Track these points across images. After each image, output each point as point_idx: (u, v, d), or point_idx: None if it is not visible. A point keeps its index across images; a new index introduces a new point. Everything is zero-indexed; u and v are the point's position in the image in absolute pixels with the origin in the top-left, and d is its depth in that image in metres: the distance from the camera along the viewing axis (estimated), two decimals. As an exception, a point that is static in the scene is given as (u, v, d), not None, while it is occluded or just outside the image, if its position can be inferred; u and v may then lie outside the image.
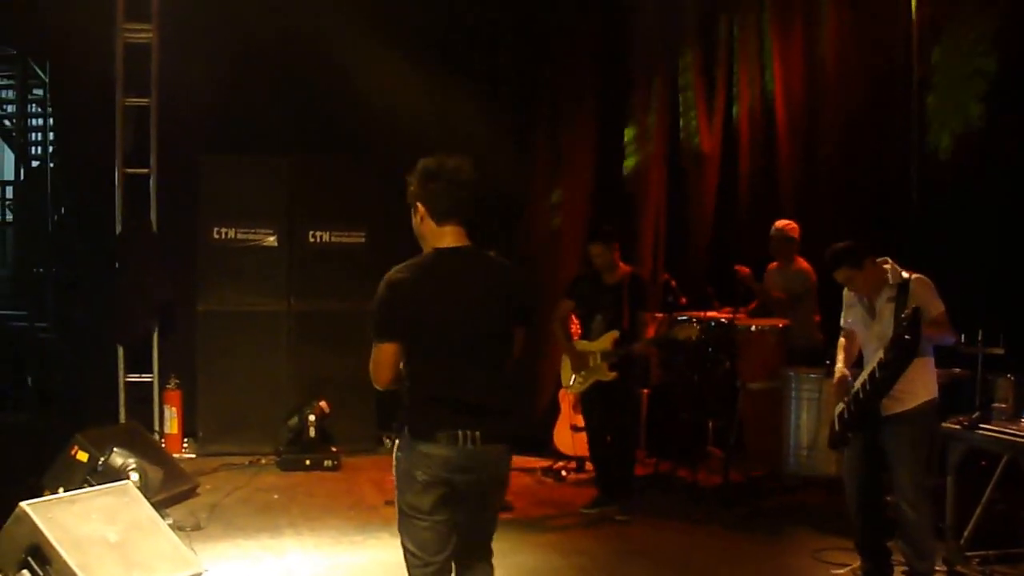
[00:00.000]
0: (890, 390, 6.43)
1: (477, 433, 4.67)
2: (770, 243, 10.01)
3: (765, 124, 11.15)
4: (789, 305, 9.81)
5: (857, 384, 6.63)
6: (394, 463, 4.88)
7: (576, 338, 9.09)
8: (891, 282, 6.56)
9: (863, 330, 6.79)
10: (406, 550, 4.87)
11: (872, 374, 6.47)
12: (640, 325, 8.89)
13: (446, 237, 4.76)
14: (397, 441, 4.89)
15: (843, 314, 7.02)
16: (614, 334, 8.78)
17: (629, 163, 11.79)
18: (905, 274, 6.56)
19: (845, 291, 6.94)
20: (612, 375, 8.74)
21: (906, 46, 9.98)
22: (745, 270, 9.92)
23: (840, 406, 6.78)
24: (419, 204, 4.75)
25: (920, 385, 6.51)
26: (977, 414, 6.99)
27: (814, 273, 9.76)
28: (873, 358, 6.54)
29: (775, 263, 10.08)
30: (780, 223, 10.01)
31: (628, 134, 11.78)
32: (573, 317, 9.37)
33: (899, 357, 6.30)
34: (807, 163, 10.87)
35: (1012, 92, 8.87)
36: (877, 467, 6.71)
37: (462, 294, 4.72)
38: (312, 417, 10.41)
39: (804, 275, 9.81)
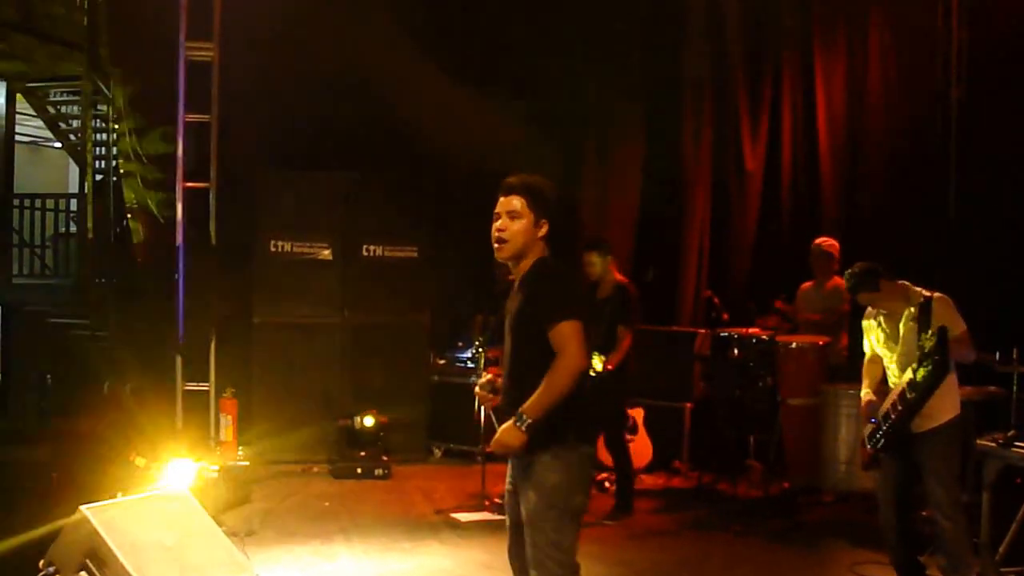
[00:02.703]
0: (922, 409, 6.45)
1: None
2: (810, 259, 10.09)
3: (808, 144, 11.23)
4: (826, 325, 9.87)
5: (886, 406, 6.62)
6: (558, 467, 4.72)
7: None
8: (913, 302, 6.57)
9: (887, 354, 6.79)
10: (564, 554, 4.77)
11: (903, 395, 6.48)
12: (616, 340, 8.88)
13: (547, 251, 4.97)
14: (551, 447, 4.72)
15: (864, 340, 7.04)
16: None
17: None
18: (926, 293, 6.56)
19: (864, 319, 6.99)
20: None
21: (945, 69, 10.04)
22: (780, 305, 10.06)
23: (868, 427, 6.80)
24: (546, 220, 4.90)
25: (949, 401, 6.53)
26: (1012, 432, 6.96)
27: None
28: (900, 379, 6.57)
29: (810, 282, 10.16)
30: (820, 240, 10.09)
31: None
32: None
33: (931, 376, 6.32)
34: (849, 181, 10.94)
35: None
36: (910, 484, 6.71)
37: None
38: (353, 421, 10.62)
39: (839, 293, 9.87)
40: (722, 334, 10.01)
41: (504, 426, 4.71)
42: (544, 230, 4.90)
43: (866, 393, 6.93)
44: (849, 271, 6.79)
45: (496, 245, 4.91)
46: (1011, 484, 7.29)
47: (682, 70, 12.02)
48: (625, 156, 12.09)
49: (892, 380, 6.76)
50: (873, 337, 6.92)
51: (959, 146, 9.94)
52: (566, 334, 4.67)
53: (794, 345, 9.64)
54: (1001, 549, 7.02)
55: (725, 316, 10.08)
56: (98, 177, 14.92)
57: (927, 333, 6.33)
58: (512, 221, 4.88)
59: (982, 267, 9.15)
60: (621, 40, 12.04)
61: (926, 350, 6.28)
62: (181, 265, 11.17)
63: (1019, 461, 6.88)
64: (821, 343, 9.61)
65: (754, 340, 9.74)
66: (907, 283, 6.69)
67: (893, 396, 6.60)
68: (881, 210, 10.58)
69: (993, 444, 6.92)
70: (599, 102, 12.23)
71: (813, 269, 10.10)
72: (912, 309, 6.57)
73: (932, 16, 10.31)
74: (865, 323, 6.97)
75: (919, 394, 6.39)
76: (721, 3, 11.67)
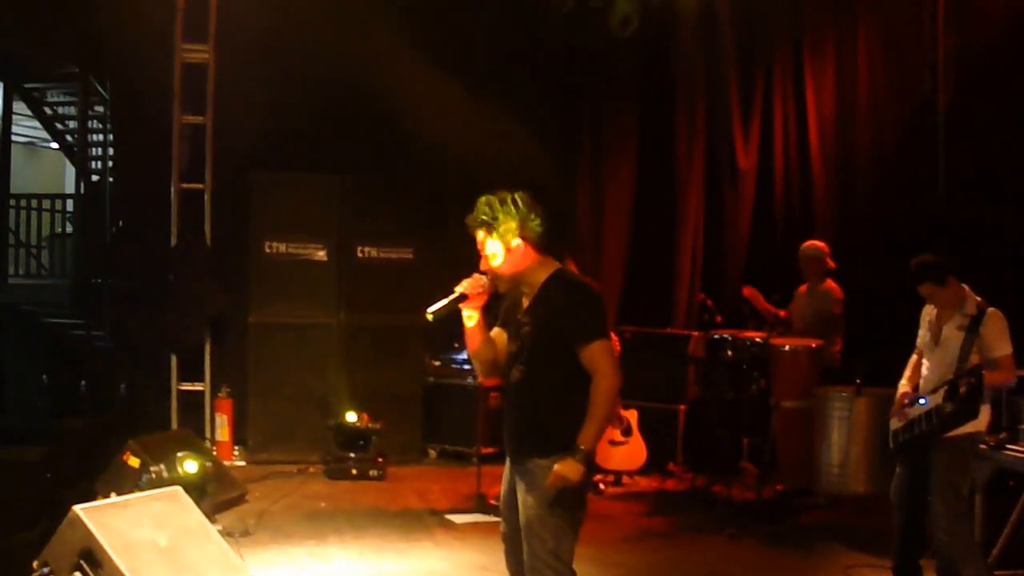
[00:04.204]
0: (943, 435, 6.40)
1: None
2: (799, 263, 10.13)
3: (799, 147, 11.27)
4: (818, 328, 9.89)
5: (914, 413, 6.58)
6: (563, 481, 4.64)
7: None
8: (965, 311, 6.48)
9: (927, 352, 6.74)
10: (563, 564, 4.75)
11: (930, 416, 6.43)
12: None
13: (550, 264, 4.90)
14: (553, 454, 4.68)
15: (919, 332, 6.89)
16: None
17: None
18: (981, 305, 6.46)
19: (923, 312, 6.83)
20: None
21: (933, 73, 10.09)
22: (749, 291, 10.07)
23: (896, 422, 6.76)
24: (520, 239, 4.80)
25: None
26: (1005, 435, 6.97)
27: (842, 294, 9.89)
28: (934, 387, 6.49)
29: (804, 285, 10.19)
30: (808, 243, 10.12)
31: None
32: None
33: (958, 415, 6.28)
34: (840, 185, 10.98)
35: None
36: (923, 488, 6.70)
37: None
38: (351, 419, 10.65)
39: (831, 295, 9.92)
40: (715, 336, 10.03)
41: (563, 461, 4.61)
42: (522, 245, 4.81)
43: (902, 386, 6.86)
44: (918, 259, 6.62)
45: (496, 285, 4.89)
46: (1004, 487, 7.28)
47: (675, 72, 12.04)
48: (619, 158, 12.11)
49: (926, 381, 6.68)
50: (922, 332, 6.82)
51: (946, 151, 9.98)
52: (598, 354, 4.69)
53: (787, 348, 9.64)
54: (994, 552, 7.03)
55: (719, 318, 10.10)
56: (94, 178, 14.99)
57: (968, 373, 6.28)
58: (489, 257, 4.86)
59: (971, 270, 9.15)
60: (614, 43, 12.05)
61: (961, 394, 6.23)
62: (176, 265, 11.21)
63: (1011, 464, 6.89)
64: (814, 345, 9.62)
65: (748, 342, 9.75)
66: (968, 288, 6.59)
67: (923, 409, 6.52)
68: (871, 212, 10.62)
69: (985, 447, 6.91)
70: (593, 104, 12.24)
71: (804, 273, 10.13)
72: (962, 318, 6.47)
73: (918, 23, 10.37)
74: (923, 316, 6.83)
75: (941, 424, 6.36)
76: (713, 7, 11.68)
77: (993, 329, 6.40)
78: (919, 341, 6.90)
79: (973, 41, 9.89)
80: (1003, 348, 6.40)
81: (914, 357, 6.95)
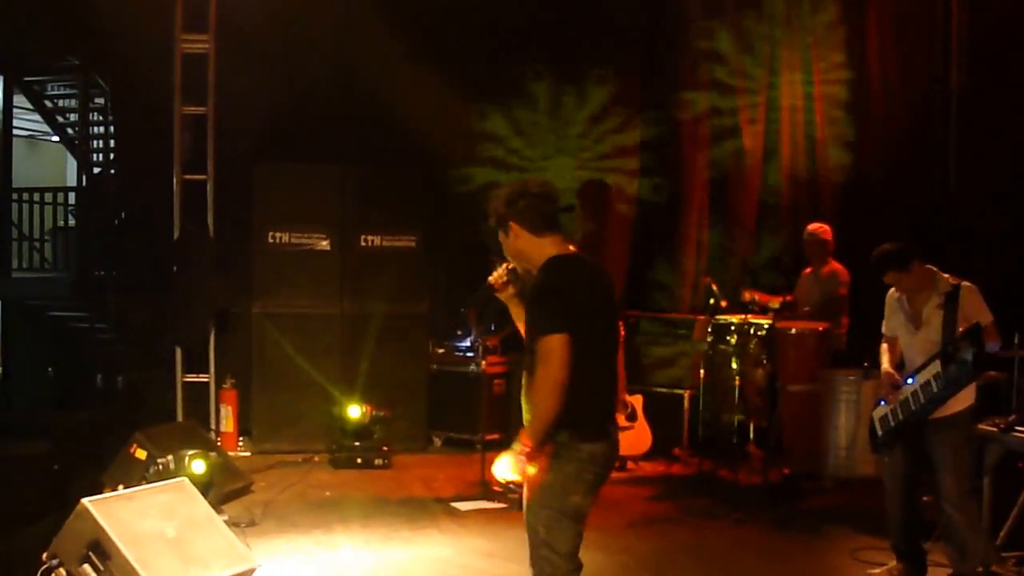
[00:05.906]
0: (947, 402, 6.44)
1: (614, 427, 4.87)
2: (804, 247, 10.12)
3: (807, 129, 11.23)
4: (826, 312, 9.88)
5: (907, 392, 6.60)
6: (552, 466, 4.69)
7: None
8: (940, 289, 6.56)
9: (906, 336, 6.76)
10: (556, 555, 4.74)
11: (927, 385, 6.45)
12: None
13: (548, 247, 4.86)
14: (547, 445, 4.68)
15: (884, 321, 6.97)
16: None
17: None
18: (953, 281, 6.56)
19: (888, 298, 6.92)
20: None
21: (945, 52, 10.04)
22: (749, 295, 10.02)
23: (881, 410, 6.80)
24: (511, 223, 4.86)
25: (964, 391, 6.50)
26: (1014, 417, 6.98)
27: (848, 276, 9.86)
28: (926, 366, 6.51)
29: (808, 267, 10.18)
30: (812, 226, 10.12)
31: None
32: None
33: (966, 376, 6.31)
34: (849, 165, 10.95)
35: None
36: (917, 471, 6.72)
37: (597, 294, 4.86)
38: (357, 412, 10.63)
39: (837, 277, 9.90)
40: (721, 320, 10.01)
41: (506, 458, 4.67)
42: (517, 232, 4.86)
43: (886, 368, 6.87)
44: (879, 250, 6.70)
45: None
46: (1012, 469, 7.28)
47: (679, 51, 12.00)
48: (623, 141, 12.08)
49: (910, 364, 6.72)
50: (895, 318, 6.87)
51: (959, 130, 9.94)
52: (545, 348, 4.60)
53: (793, 331, 9.63)
54: (1002, 534, 7.04)
55: (724, 303, 10.08)
56: (96, 171, 14.98)
57: (960, 330, 6.33)
58: (503, 247, 4.99)
59: (981, 251, 9.14)
60: (619, 19, 12.02)
61: (961, 351, 6.25)
62: (179, 257, 11.20)
63: (1019, 446, 6.89)
64: (820, 329, 9.61)
65: (753, 327, 9.74)
66: (935, 269, 6.67)
67: (918, 385, 6.53)
68: (880, 194, 10.58)
69: (994, 429, 6.93)
70: (595, 85, 12.23)
71: (808, 256, 10.13)
72: (938, 296, 6.55)
73: (931, 0, 10.32)
74: (889, 302, 6.92)
75: (947, 390, 6.37)
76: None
77: (972, 300, 6.51)
78: (886, 330, 6.96)
79: (987, 19, 9.85)
80: (986, 316, 6.49)
81: (884, 345, 6.99)
